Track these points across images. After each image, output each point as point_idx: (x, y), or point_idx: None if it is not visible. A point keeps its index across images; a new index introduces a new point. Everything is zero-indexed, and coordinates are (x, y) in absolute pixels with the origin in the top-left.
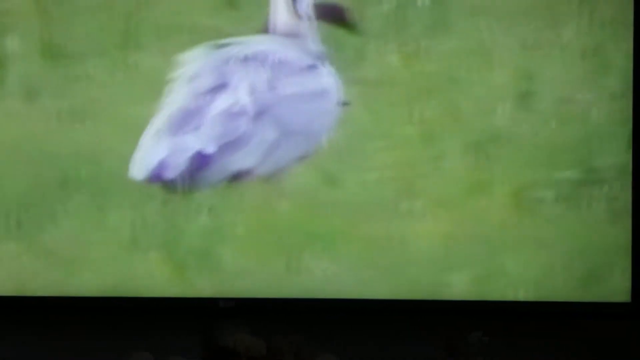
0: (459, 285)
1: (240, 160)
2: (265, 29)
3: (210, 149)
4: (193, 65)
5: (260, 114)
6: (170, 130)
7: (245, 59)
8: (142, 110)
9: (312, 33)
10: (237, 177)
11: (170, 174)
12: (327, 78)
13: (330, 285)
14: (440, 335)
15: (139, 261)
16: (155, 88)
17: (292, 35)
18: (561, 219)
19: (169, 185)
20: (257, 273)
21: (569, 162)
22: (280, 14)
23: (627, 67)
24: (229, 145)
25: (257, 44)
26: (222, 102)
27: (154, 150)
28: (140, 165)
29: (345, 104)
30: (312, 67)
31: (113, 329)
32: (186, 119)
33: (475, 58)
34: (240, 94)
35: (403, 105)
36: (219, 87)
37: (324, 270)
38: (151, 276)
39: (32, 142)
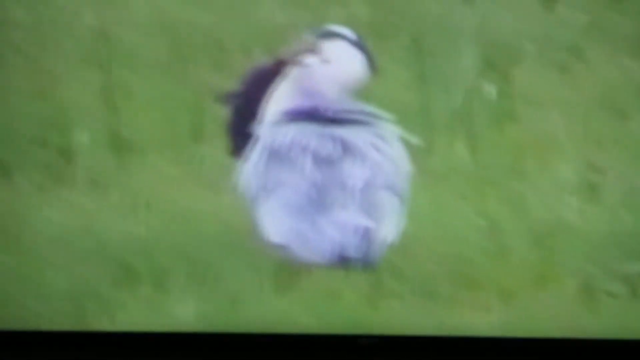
0: None
1: (389, 233)
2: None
3: (371, 223)
4: (294, 134)
5: (387, 182)
6: (313, 207)
7: (350, 125)
8: (207, 203)
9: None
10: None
11: (354, 253)
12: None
13: None
14: None
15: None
16: (220, 181)
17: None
18: (633, 313)
19: (352, 266)
20: None
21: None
22: (355, 71)
23: None
24: (379, 218)
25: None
26: (358, 172)
27: (318, 231)
28: (313, 249)
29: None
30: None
31: None
32: (326, 194)
33: (542, 150)
34: (372, 162)
35: (469, 197)
36: (344, 156)
37: None
38: None
39: (97, 233)
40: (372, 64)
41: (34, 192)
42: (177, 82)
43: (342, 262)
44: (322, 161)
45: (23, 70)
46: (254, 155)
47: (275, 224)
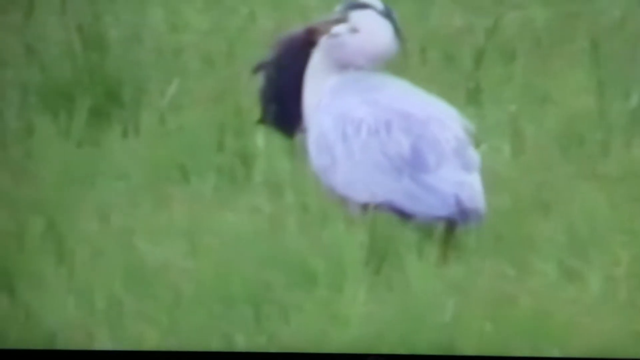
0: None
1: (480, 189)
2: None
3: (471, 178)
4: (370, 108)
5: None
6: (410, 166)
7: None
8: None
9: None
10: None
11: (470, 204)
12: None
13: None
14: None
15: None
16: None
17: None
18: None
19: (470, 218)
20: None
21: None
22: (383, 40)
23: None
24: (474, 173)
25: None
26: (447, 134)
27: (427, 188)
28: (432, 204)
29: None
30: None
31: None
32: (421, 154)
33: None
34: (450, 126)
35: None
36: (425, 124)
37: None
38: None
39: (274, 235)
40: (399, 33)
41: (212, 195)
42: None
43: (461, 213)
44: (406, 127)
45: (200, 76)
46: (323, 125)
47: (370, 186)
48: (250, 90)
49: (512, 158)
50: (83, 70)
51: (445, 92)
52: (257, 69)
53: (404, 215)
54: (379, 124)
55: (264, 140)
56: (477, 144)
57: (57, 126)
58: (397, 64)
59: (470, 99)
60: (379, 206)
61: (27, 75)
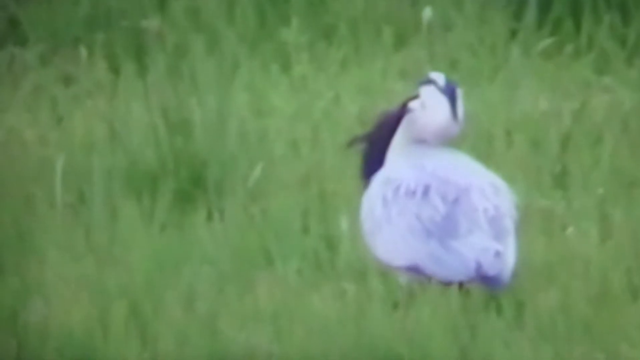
0: None
1: (511, 258)
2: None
3: (500, 247)
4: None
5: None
6: (444, 233)
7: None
8: None
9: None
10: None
11: (491, 271)
12: None
13: None
14: None
15: None
16: None
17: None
18: None
19: (489, 284)
20: None
21: None
22: (441, 117)
23: None
24: (506, 243)
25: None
26: (485, 202)
27: (451, 252)
28: (453, 267)
29: None
30: None
31: None
32: (455, 220)
33: None
34: (491, 196)
35: None
36: (465, 191)
37: None
38: None
39: (359, 322)
40: (455, 110)
41: (296, 279)
42: None
43: (481, 279)
44: (444, 192)
45: (285, 160)
46: (370, 191)
47: (401, 248)
48: (335, 174)
49: (600, 242)
50: (167, 154)
51: (532, 176)
52: (351, 143)
53: (424, 278)
54: (417, 186)
55: (348, 224)
56: (563, 228)
57: (141, 210)
58: (482, 147)
59: (556, 182)
60: (404, 268)
61: (112, 160)
